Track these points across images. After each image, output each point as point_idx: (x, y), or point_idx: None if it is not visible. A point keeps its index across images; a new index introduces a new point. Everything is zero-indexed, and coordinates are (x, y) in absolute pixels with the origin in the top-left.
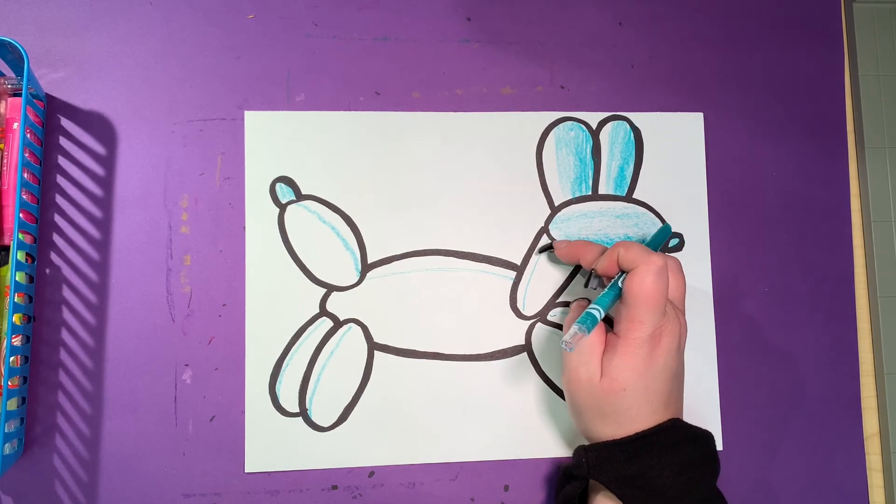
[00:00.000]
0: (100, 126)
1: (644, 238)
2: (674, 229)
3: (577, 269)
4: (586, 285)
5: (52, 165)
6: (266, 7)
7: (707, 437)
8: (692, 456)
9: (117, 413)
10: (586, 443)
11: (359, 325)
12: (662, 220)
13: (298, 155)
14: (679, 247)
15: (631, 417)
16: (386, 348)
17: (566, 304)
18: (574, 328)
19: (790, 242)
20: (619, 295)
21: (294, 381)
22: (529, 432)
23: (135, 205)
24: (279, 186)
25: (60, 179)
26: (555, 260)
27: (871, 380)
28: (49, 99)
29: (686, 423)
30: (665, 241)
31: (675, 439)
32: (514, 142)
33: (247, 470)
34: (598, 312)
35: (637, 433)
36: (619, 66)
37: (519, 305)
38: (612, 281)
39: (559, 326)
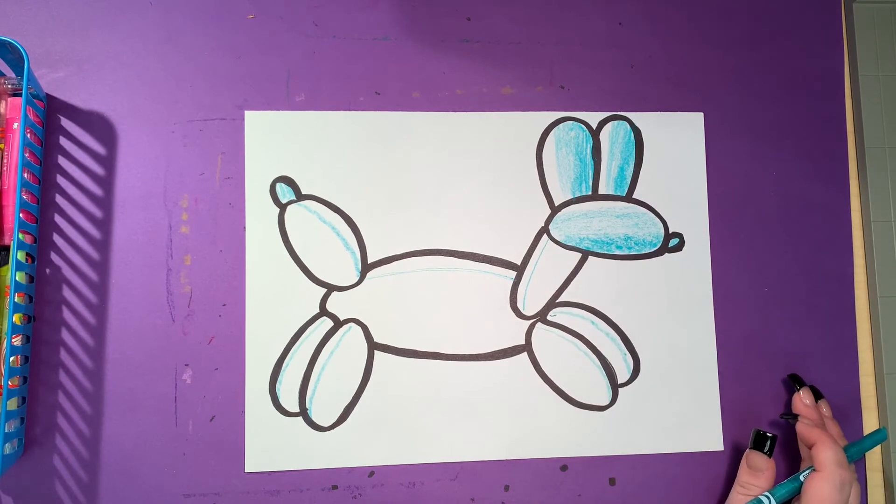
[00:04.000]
0: (100, 126)
1: (648, 240)
2: (673, 229)
3: (576, 269)
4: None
5: (52, 165)
6: (266, 7)
7: None
8: None
9: (117, 413)
10: (590, 441)
11: (359, 324)
12: (662, 220)
13: (298, 155)
14: (679, 247)
15: None
16: (386, 348)
17: (566, 305)
18: None
19: (790, 242)
20: (798, 489)
21: (294, 381)
22: (529, 432)
23: (135, 205)
24: (279, 186)
25: (60, 179)
26: (555, 260)
27: (871, 380)
28: (49, 99)
29: None
30: (873, 447)
31: None
32: (514, 142)
33: (247, 470)
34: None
35: None
36: (619, 66)
37: (519, 305)
38: (795, 474)
39: (559, 326)
